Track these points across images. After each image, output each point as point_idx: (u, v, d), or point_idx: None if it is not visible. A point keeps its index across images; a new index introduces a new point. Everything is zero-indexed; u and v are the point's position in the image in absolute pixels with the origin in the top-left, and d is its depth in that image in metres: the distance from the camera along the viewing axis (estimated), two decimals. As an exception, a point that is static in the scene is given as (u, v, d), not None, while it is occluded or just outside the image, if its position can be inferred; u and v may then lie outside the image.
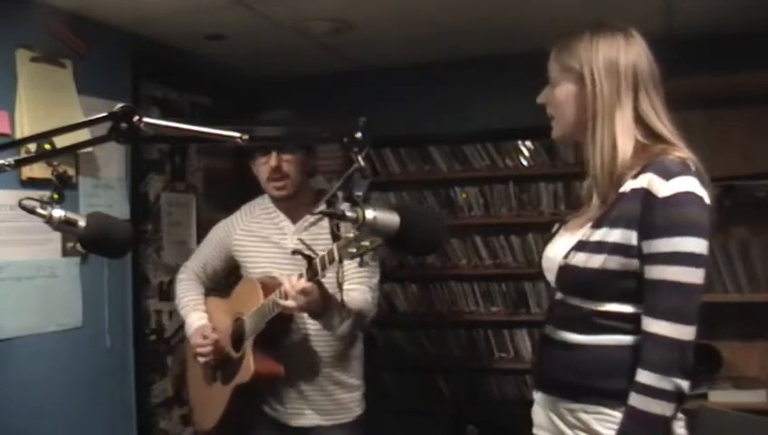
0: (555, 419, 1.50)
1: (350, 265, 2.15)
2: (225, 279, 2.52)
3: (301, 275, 1.95)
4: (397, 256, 3.88)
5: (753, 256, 3.17)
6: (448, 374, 3.87)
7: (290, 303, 1.96)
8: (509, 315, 3.78)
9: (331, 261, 1.83)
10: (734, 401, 2.94)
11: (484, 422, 3.54)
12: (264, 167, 2.22)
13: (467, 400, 3.80)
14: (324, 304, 2.01)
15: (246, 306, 2.20)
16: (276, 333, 2.15)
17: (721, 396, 3.03)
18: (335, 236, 1.82)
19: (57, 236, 2.69)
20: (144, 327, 3.24)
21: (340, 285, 1.94)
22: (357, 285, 2.17)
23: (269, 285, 2.15)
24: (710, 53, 3.13)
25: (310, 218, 2.25)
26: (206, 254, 2.46)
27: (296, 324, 2.21)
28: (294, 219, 2.28)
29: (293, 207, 2.28)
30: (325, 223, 2.15)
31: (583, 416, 1.43)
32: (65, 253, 2.76)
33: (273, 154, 2.18)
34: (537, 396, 1.57)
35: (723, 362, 3.17)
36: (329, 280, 2.04)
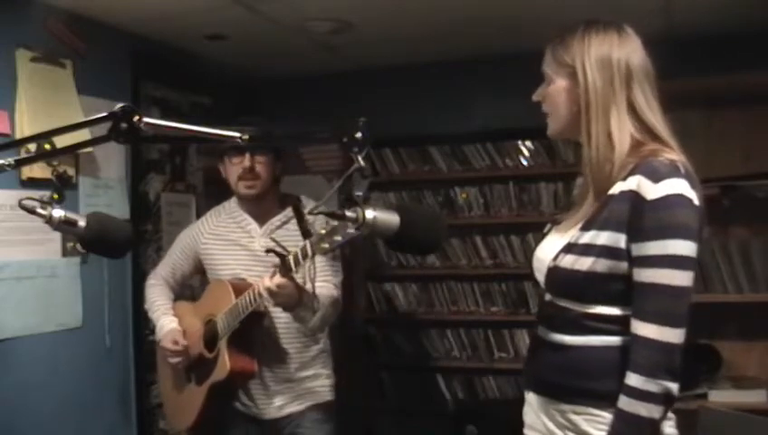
0: (546, 419, 1.50)
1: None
2: (197, 282, 2.56)
3: (274, 274, 2.00)
4: (397, 255, 3.89)
5: (753, 256, 3.16)
6: (448, 374, 3.87)
7: (270, 299, 2.04)
8: (509, 315, 3.78)
9: (305, 256, 1.89)
10: (734, 401, 2.93)
11: (484, 422, 3.54)
12: (236, 167, 2.28)
13: (467, 400, 3.80)
14: (299, 297, 2.08)
15: (218, 307, 2.24)
16: (249, 331, 2.21)
17: (721, 396, 3.02)
18: (307, 234, 1.89)
19: (57, 236, 2.69)
20: (144, 327, 3.24)
21: (312, 280, 1.99)
22: (323, 283, 2.24)
23: (239, 286, 2.21)
24: (710, 53, 3.13)
25: (276, 221, 2.32)
26: (174, 259, 2.51)
27: (268, 322, 2.28)
28: (261, 222, 2.34)
29: (260, 210, 2.34)
30: (292, 226, 2.20)
31: (573, 417, 1.43)
32: (65, 253, 2.77)
33: (248, 155, 2.24)
34: (528, 397, 1.57)
35: (723, 362, 3.17)
36: (298, 276, 2.11)
